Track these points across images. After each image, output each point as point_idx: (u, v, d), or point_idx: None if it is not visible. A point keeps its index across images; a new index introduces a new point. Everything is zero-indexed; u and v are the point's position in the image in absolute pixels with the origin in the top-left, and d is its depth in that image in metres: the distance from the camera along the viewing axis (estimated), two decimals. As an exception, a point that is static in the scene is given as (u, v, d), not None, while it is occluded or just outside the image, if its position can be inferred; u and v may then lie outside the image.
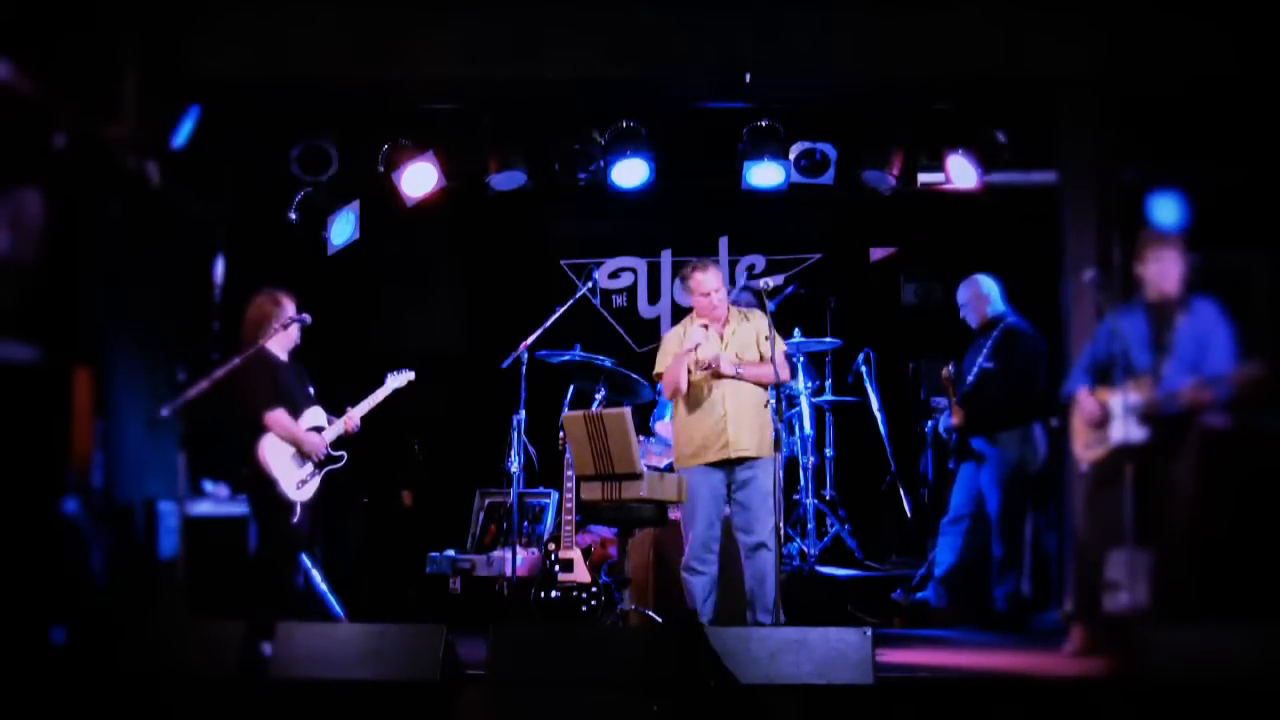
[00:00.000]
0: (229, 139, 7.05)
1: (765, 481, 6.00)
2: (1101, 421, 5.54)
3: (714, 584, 6.04)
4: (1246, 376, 5.30)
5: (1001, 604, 6.85)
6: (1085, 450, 5.63)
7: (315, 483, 6.02)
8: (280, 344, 6.08)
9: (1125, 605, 5.41)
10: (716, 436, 6.03)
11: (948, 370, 7.02)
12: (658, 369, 6.29)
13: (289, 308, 6.10)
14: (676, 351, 6.15)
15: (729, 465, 6.03)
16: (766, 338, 6.03)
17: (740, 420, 6.01)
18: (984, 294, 7.05)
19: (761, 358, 6.11)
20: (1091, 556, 5.55)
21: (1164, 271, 5.52)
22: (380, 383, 6.31)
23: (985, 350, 6.93)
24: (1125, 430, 5.44)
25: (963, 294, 7.14)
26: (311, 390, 6.15)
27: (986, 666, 5.68)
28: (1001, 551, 6.86)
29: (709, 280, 6.14)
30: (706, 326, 6.14)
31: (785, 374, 6.09)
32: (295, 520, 5.92)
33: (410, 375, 6.38)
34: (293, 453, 6.00)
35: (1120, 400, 5.44)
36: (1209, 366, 5.40)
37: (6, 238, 4.93)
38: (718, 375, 6.02)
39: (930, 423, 7.46)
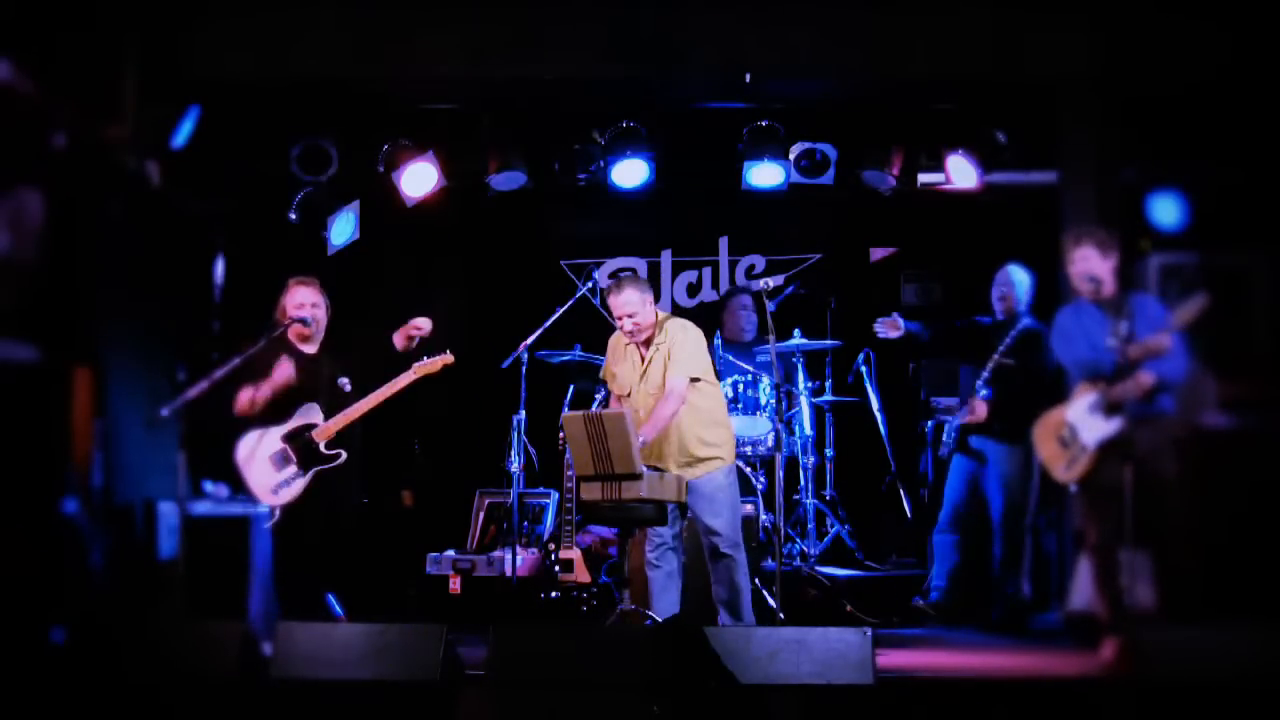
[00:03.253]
0: (229, 139, 7.05)
1: (707, 487, 5.94)
2: (1066, 439, 5.53)
3: (670, 579, 5.99)
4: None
5: (1003, 607, 6.82)
6: (1067, 473, 5.57)
7: (299, 485, 5.99)
8: (298, 335, 6.09)
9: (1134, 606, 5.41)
10: (652, 461, 5.93)
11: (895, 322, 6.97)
12: (603, 373, 6.28)
13: (292, 309, 6.11)
14: (610, 366, 6.16)
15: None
16: (672, 363, 5.93)
17: (662, 452, 5.93)
18: (1019, 292, 6.99)
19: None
20: (1109, 564, 5.50)
21: (1090, 268, 5.51)
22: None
23: (1003, 347, 6.87)
24: (1095, 430, 5.42)
25: (1002, 279, 7.05)
26: (344, 382, 6.09)
27: (986, 667, 5.69)
28: (1003, 554, 6.82)
29: (622, 303, 5.93)
30: (635, 343, 6.06)
31: (670, 407, 5.81)
32: (272, 523, 5.93)
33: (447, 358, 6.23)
34: (272, 455, 6.00)
35: (1079, 404, 5.44)
36: (1165, 365, 5.37)
37: (6, 238, 4.93)
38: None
39: (930, 422, 7.44)
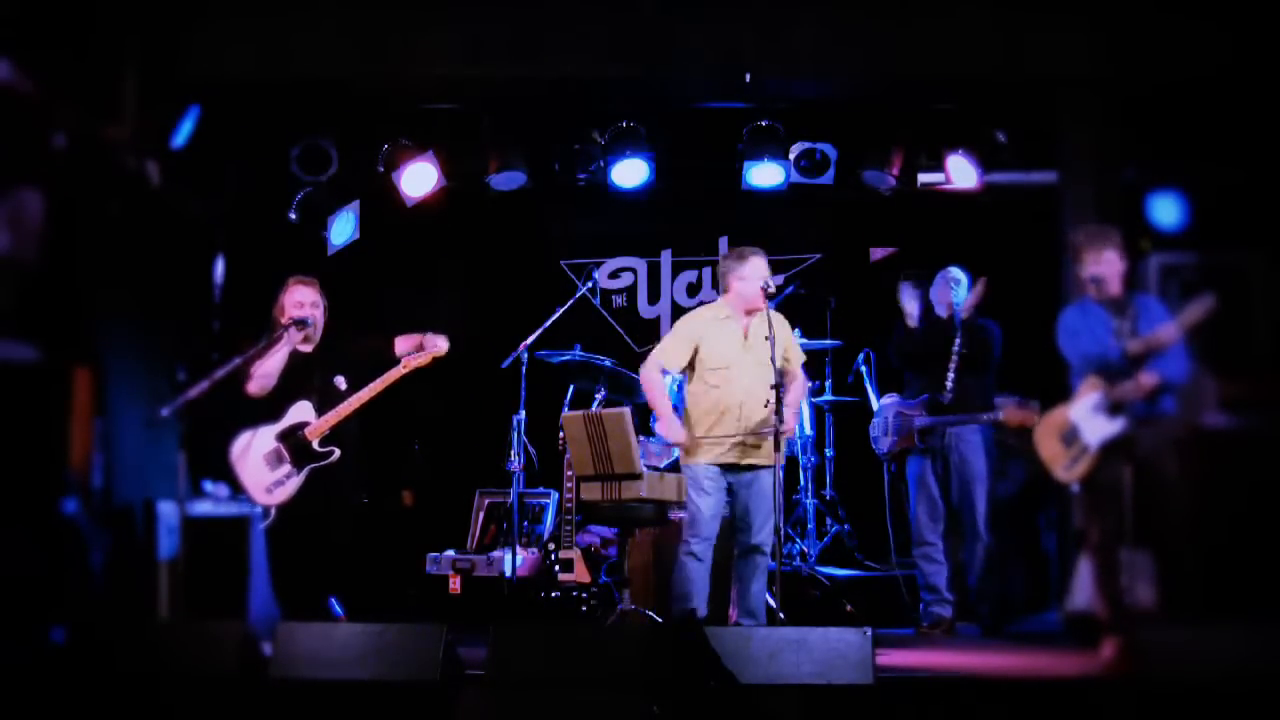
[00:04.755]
0: (229, 139, 7.05)
1: (768, 485, 5.98)
2: (1068, 438, 5.53)
3: (709, 574, 6.00)
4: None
5: (990, 608, 6.81)
6: (1068, 472, 5.57)
7: (293, 484, 5.99)
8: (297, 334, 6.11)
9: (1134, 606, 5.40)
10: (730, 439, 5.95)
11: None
12: (660, 356, 6.08)
13: (291, 308, 6.11)
14: (690, 341, 6.00)
15: (736, 469, 6.02)
16: (794, 347, 6.11)
17: (754, 426, 5.92)
18: (961, 291, 6.99)
19: (789, 365, 6.05)
20: (1109, 565, 5.49)
21: (1106, 269, 5.51)
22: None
23: (959, 343, 6.87)
24: (1099, 429, 5.42)
25: (948, 278, 7.05)
26: (340, 381, 6.09)
27: (986, 667, 5.68)
28: (986, 553, 6.80)
29: (765, 268, 5.98)
30: (748, 314, 6.02)
31: (804, 393, 6.26)
32: (268, 523, 5.94)
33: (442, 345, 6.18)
34: (266, 454, 6.00)
35: (1082, 404, 5.45)
36: (1168, 366, 5.38)
37: (6, 238, 4.94)
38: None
39: (883, 419, 7.35)
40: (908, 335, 7.04)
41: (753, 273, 5.97)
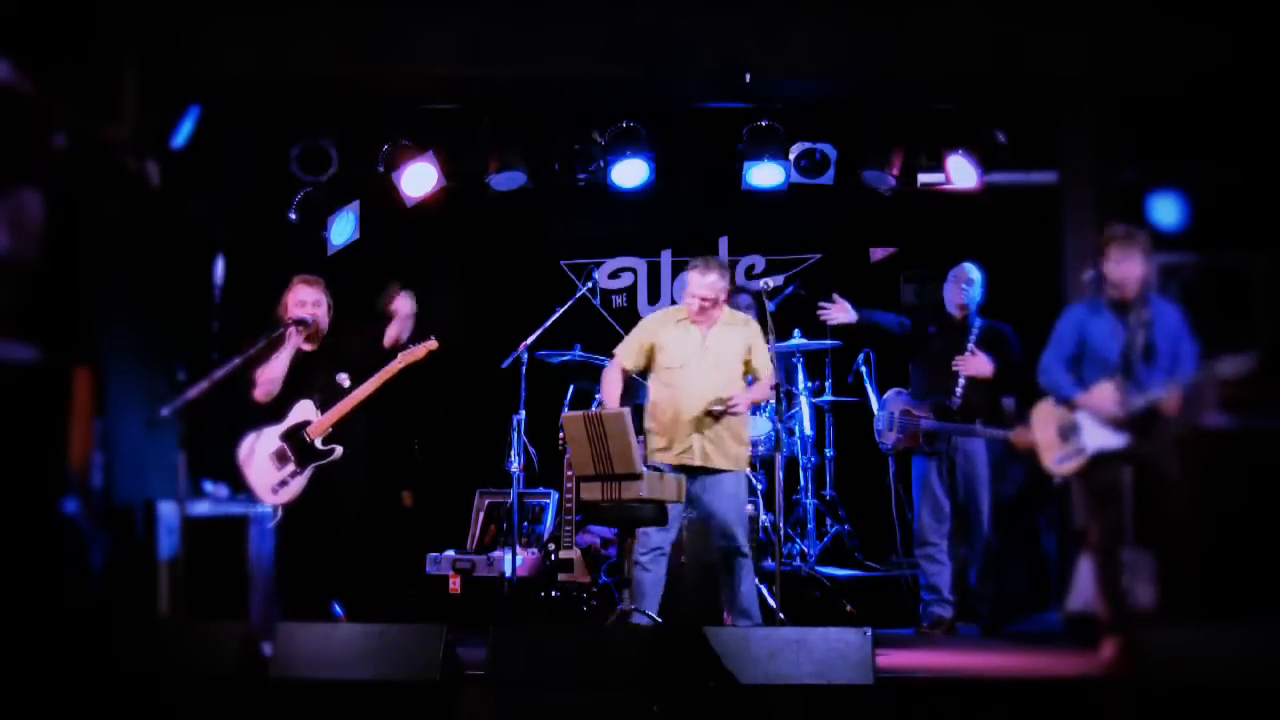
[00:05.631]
0: (229, 139, 7.05)
1: (732, 486, 6.01)
2: (1067, 432, 5.52)
3: (656, 586, 6.02)
4: (1231, 373, 5.25)
5: (990, 608, 6.81)
6: (1059, 465, 5.56)
7: (298, 484, 6.00)
8: (298, 334, 6.10)
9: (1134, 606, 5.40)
10: (681, 439, 6.02)
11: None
12: (620, 352, 6.24)
13: (293, 307, 6.10)
14: (642, 343, 6.15)
15: (693, 472, 6.03)
16: (759, 354, 6.09)
17: (708, 429, 6.00)
18: (976, 290, 7.00)
19: (757, 375, 6.12)
20: (1110, 565, 5.49)
21: (1130, 272, 5.49)
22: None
23: (973, 343, 6.87)
24: (1099, 438, 5.42)
25: (962, 276, 7.06)
26: (343, 377, 6.09)
27: (986, 667, 5.68)
28: (985, 556, 6.80)
29: (705, 284, 6.04)
30: (697, 321, 6.10)
31: (771, 391, 6.16)
32: (275, 522, 5.94)
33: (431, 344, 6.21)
34: (271, 453, 6.00)
35: (1092, 408, 5.44)
36: (1182, 370, 5.37)
37: (6, 238, 4.94)
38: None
39: (888, 416, 7.36)
40: (928, 336, 7.03)
41: (690, 284, 6.09)
